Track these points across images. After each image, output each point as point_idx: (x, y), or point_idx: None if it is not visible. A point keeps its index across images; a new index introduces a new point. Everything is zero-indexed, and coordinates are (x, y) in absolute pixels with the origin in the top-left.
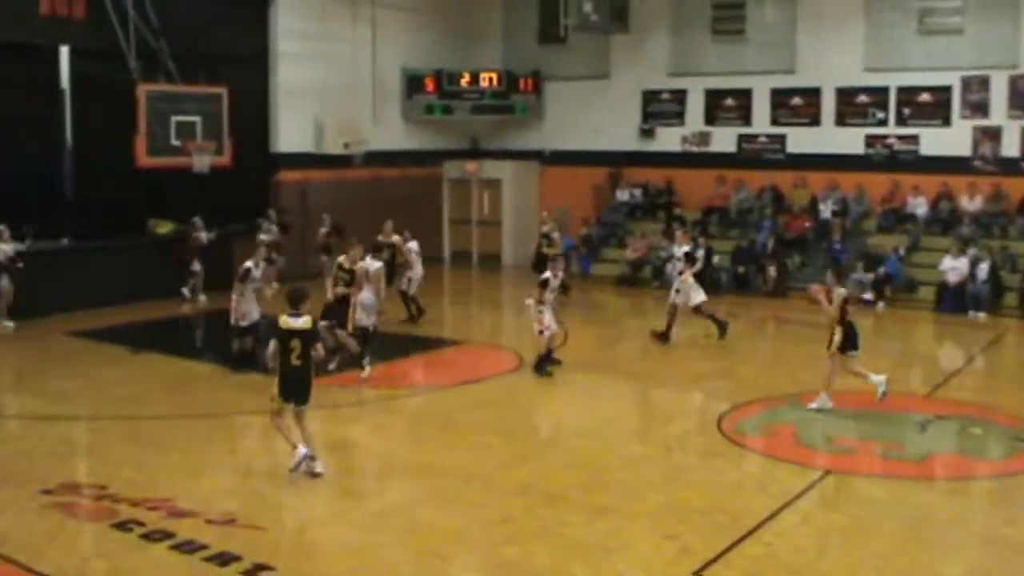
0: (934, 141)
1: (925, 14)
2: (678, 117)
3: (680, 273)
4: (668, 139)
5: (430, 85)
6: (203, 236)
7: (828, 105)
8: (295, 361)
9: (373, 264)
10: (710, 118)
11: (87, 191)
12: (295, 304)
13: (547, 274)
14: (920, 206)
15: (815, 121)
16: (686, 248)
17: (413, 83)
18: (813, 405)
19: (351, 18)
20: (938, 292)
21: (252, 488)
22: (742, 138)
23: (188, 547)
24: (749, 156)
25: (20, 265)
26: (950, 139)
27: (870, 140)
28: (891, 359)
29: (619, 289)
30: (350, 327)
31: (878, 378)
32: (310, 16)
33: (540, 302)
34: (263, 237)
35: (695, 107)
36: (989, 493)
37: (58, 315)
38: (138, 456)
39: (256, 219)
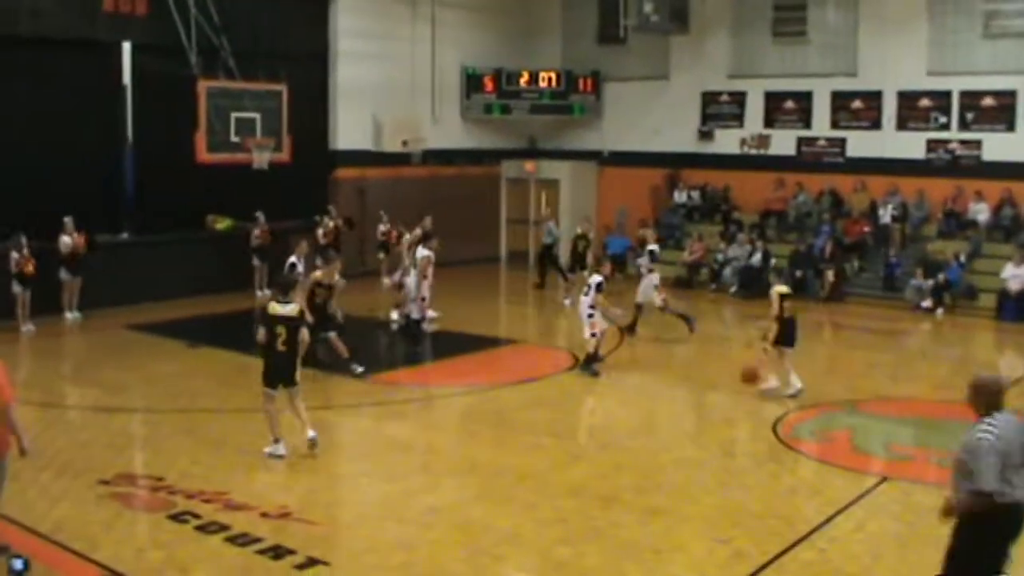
0: (997, 146)
1: (991, 17)
2: (737, 119)
3: (650, 271)
4: (727, 141)
5: (489, 84)
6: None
7: (889, 108)
8: (280, 347)
9: (421, 252)
10: (769, 120)
11: (147, 186)
12: (284, 291)
13: (599, 277)
14: (982, 212)
15: (876, 125)
16: (652, 247)
17: (472, 82)
18: (765, 387)
19: (411, 17)
20: (999, 300)
21: (306, 483)
22: (801, 141)
23: (243, 539)
24: (808, 159)
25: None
26: (1014, 144)
27: (932, 145)
28: (949, 366)
29: (675, 291)
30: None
31: (795, 380)
32: (370, 14)
33: (592, 306)
34: (320, 232)
35: (754, 109)
36: None
37: (118, 308)
38: (194, 449)
39: (314, 216)
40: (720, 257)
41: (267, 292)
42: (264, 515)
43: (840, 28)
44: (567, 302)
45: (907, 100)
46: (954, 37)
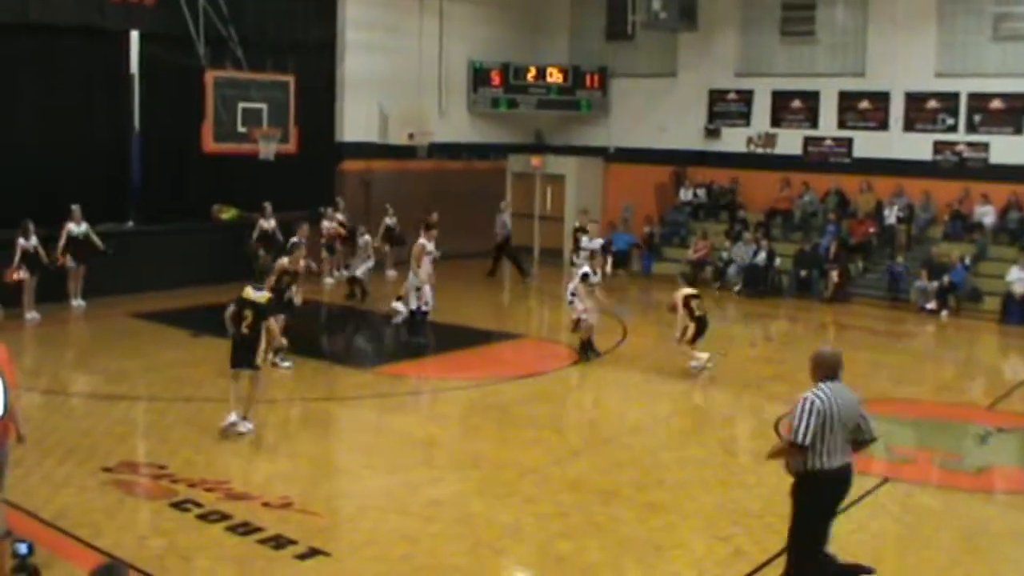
0: (1005, 149)
1: (1000, 19)
2: (744, 118)
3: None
4: (733, 139)
5: (496, 79)
6: (271, 223)
7: (897, 109)
8: (244, 329)
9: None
10: (776, 119)
11: (154, 175)
12: (259, 279)
13: (586, 268)
14: (988, 215)
15: (883, 125)
16: (600, 241)
17: (479, 76)
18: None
19: (419, 9)
20: (1004, 303)
21: (308, 474)
22: (808, 140)
23: (244, 529)
24: (815, 159)
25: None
26: (1021, 147)
27: (939, 146)
28: (954, 369)
29: None
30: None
31: (702, 356)
32: (378, 6)
33: (572, 293)
34: (326, 224)
35: (761, 108)
36: None
37: (123, 296)
38: (196, 438)
39: (319, 207)
40: (725, 255)
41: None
42: (265, 505)
43: (849, 28)
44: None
45: (915, 101)
46: (963, 39)
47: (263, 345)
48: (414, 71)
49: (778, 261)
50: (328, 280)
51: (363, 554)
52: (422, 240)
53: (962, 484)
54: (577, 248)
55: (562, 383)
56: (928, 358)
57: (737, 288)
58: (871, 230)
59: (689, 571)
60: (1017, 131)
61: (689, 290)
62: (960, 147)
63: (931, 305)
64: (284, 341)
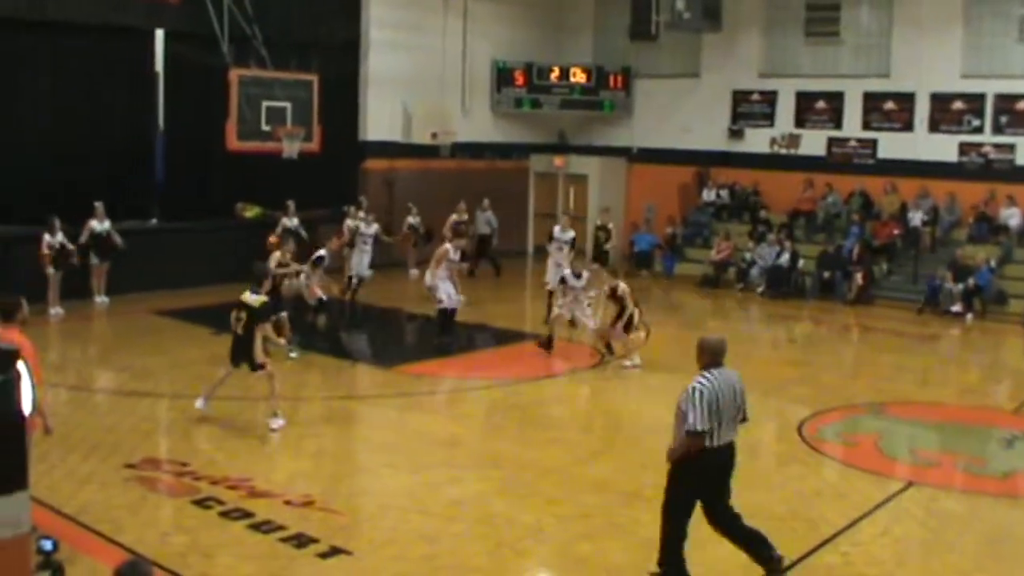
0: None
1: None
2: (768, 118)
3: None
4: (757, 140)
5: (520, 78)
6: (294, 222)
7: (922, 111)
8: (239, 330)
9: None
10: (800, 120)
11: (177, 173)
12: (257, 282)
13: (566, 271)
14: (1014, 217)
15: (908, 126)
16: (571, 233)
17: (503, 76)
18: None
19: (443, 9)
20: None
21: (329, 472)
22: (832, 141)
23: (266, 527)
24: (838, 160)
25: (119, 243)
26: None
27: (964, 148)
28: (979, 372)
29: (702, 290)
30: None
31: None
32: (402, 5)
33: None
34: (349, 223)
35: (785, 109)
36: None
37: (146, 294)
38: (219, 435)
39: (343, 207)
40: (748, 256)
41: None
42: (288, 503)
43: (874, 29)
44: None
45: (940, 102)
46: (989, 40)
47: (259, 346)
48: (438, 70)
49: (801, 262)
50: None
51: (384, 553)
52: (447, 245)
53: (987, 488)
54: (551, 239)
55: (584, 384)
56: (953, 361)
57: (760, 289)
58: (895, 232)
59: (711, 574)
60: None
61: (624, 285)
62: (986, 148)
63: (956, 308)
64: (282, 341)
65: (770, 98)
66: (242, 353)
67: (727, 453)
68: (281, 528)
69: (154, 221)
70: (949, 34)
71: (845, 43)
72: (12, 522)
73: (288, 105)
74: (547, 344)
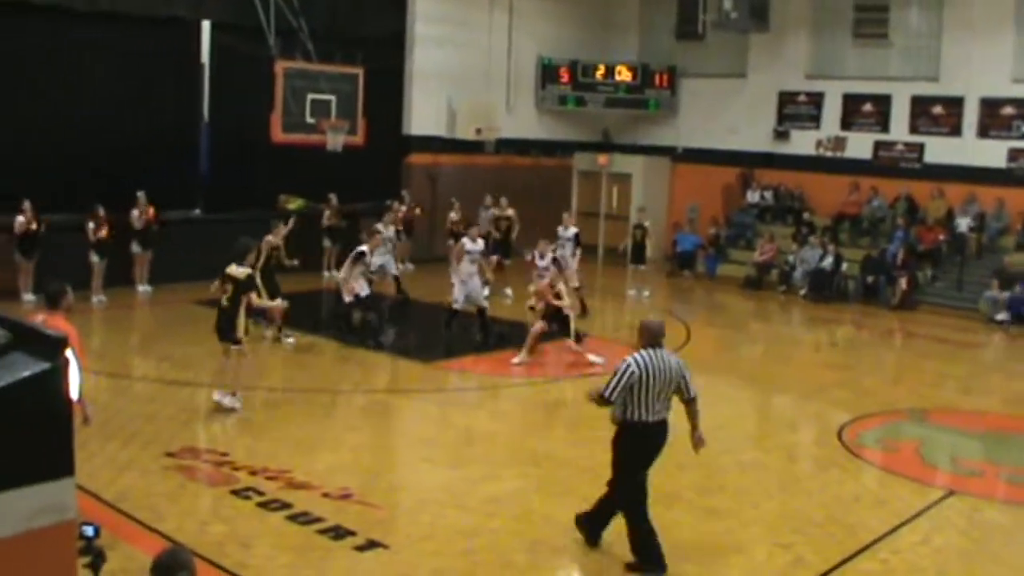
0: None
1: None
2: (814, 120)
3: (572, 256)
4: (802, 142)
5: (565, 76)
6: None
7: (971, 115)
8: (224, 302)
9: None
10: (846, 123)
11: (221, 164)
12: (241, 256)
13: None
14: None
15: (956, 131)
16: (574, 230)
17: (548, 73)
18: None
19: (489, 4)
20: None
21: (368, 466)
22: (878, 145)
23: (304, 518)
24: (885, 164)
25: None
26: None
27: (1013, 154)
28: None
29: (744, 291)
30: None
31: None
32: (448, 0)
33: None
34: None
35: (832, 111)
36: None
37: (187, 283)
38: (258, 426)
39: (386, 200)
40: (791, 259)
41: (336, 273)
42: (326, 495)
43: (923, 31)
44: (631, 293)
45: (990, 107)
46: None
47: (241, 319)
48: (483, 66)
49: (845, 266)
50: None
51: (421, 548)
52: (464, 238)
53: None
54: (556, 237)
55: None
56: (997, 369)
57: (803, 292)
58: (941, 237)
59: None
60: None
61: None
62: None
63: (1001, 316)
64: (273, 304)
65: (817, 100)
66: (225, 326)
67: (659, 429)
68: (319, 520)
69: (197, 211)
70: (1000, 37)
71: (894, 45)
72: (58, 508)
73: (333, 98)
74: (576, 338)
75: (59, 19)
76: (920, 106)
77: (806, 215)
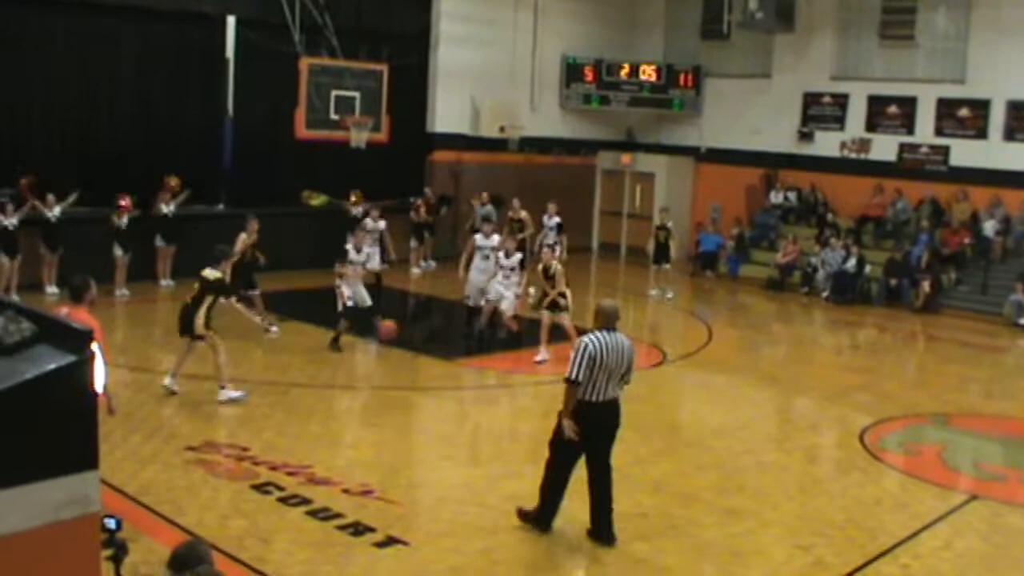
0: None
1: None
2: (838, 122)
3: (551, 245)
4: (827, 143)
5: (589, 75)
6: (358, 211)
7: (997, 118)
8: (189, 299)
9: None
10: (871, 125)
11: (245, 159)
12: (216, 261)
13: (520, 256)
14: None
15: (982, 134)
16: (557, 219)
17: (572, 71)
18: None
19: (514, 3)
20: None
21: (388, 462)
22: (903, 147)
23: (324, 514)
24: (909, 166)
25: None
26: None
27: None
28: None
29: (766, 292)
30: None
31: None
32: None
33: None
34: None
35: (856, 112)
36: None
37: None
38: (280, 421)
39: (409, 197)
40: (814, 260)
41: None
42: (346, 491)
43: (950, 33)
44: (653, 293)
45: (1017, 110)
46: None
47: (201, 317)
48: (507, 64)
49: (868, 268)
50: (415, 270)
51: (441, 545)
52: (477, 235)
53: None
54: (541, 227)
55: (645, 383)
56: (1021, 374)
57: (825, 294)
58: (965, 240)
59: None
60: None
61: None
62: None
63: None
64: (257, 318)
65: (841, 101)
66: (184, 321)
67: (610, 409)
68: (339, 516)
69: (221, 206)
70: None
71: (920, 47)
72: (82, 500)
73: (357, 95)
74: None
75: (85, 13)
76: (946, 108)
77: (829, 217)
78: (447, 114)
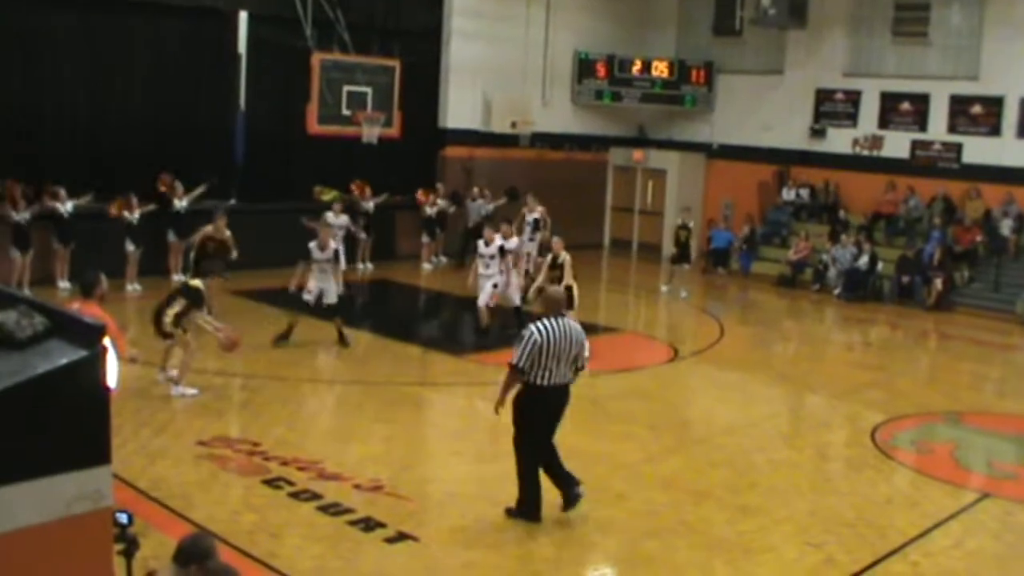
0: None
1: None
2: (851, 118)
3: (531, 239)
4: (839, 140)
5: (601, 70)
6: (370, 205)
7: (1011, 115)
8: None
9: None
10: (884, 121)
11: (257, 155)
12: (204, 274)
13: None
14: None
15: (995, 131)
16: (536, 215)
17: (584, 67)
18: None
19: None
20: None
21: (399, 458)
22: (916, 144)
23: (334, 509)
24: (922, 163)
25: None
26: None
27: None
28: None
29: (778, 289)
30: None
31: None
32: None
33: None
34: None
35: (869, 109)
36: None
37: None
38: (290, 417)
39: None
40: (825, 258)
41: (370, 266)
42: (357, 487)
43: (963, 30)
44: (664, 289)
45: None
46: None
47: (169, 316)
48: (519, 60)
49: (880, 266)
50: (426, 266)
51: (451, 541)
52: (478, 242)
53: None
54: (522, 223)
55: (657, 379)
56: None
57: (837, 291)
58: (978, 238)
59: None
60: None
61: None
62: None
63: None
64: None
65: (854, 98)
66: (155, 319)
67: (560, 393)
68: (349, 511)
69: (233, 201)
70: None
71: (933, 44)
72: (95, 495)
73: (369, 90)
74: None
75: (97, 9)
76: (959, 105)
77: (841, 214)
78: (459, 110)
